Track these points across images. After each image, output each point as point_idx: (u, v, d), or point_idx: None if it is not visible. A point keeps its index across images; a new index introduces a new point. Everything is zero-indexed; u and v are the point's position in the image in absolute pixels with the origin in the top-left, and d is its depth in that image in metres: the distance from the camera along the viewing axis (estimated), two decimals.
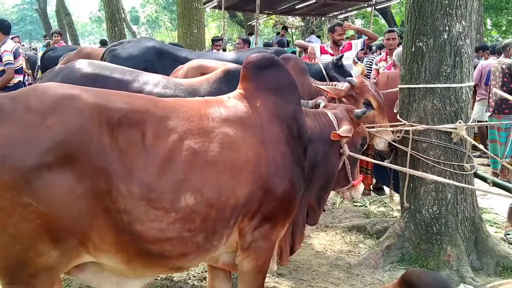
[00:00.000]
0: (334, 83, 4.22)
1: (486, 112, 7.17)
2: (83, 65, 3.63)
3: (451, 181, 3.33)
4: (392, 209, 5.35)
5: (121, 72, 3.62)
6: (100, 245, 1.87)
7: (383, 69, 6.23)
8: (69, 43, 18.70)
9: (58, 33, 11.41)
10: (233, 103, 2.33)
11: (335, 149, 2.69)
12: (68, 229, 1.77)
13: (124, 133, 1.88)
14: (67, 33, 21.21)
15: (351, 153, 2.73)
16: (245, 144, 2.18)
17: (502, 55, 7.15)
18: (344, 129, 2.62)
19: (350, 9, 16.77)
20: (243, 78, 2.48)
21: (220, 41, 10.37)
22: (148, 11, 47.36)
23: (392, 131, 3.96)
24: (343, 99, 4.00)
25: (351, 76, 4.69)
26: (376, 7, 15.73)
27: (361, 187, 2.92)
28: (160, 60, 4.74)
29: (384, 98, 4.84)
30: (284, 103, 2.40)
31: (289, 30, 23.28)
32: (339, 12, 16.92)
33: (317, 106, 3.28)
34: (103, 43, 12.79)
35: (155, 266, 2.04)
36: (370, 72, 7.87)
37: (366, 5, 15.53)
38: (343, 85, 4.02)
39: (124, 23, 16.84)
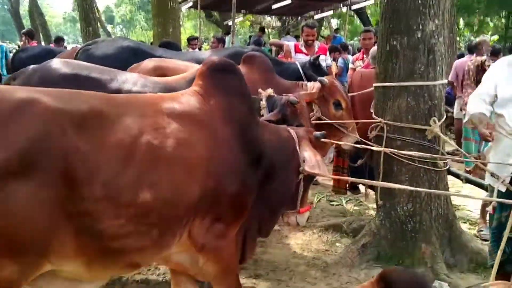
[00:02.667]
0: (304, 82, 4.25)
1: (461, 110, 7.29)
2: (61, 65, 3.56)
3: (424, 189, 3.37)
4: (368, 207, 5.39)
5: (100, 71, 3.60)
6: (62, 252, 1.82)
7: (360, 68, 6.26)
8: (43, 43, 18.34)
9: (26, 34, 11.03)
10: (187, 99, 2.32)
11: (292, 166, 2.64)
12: (30, 242, 1.72)
13: (84, 134, 1.85)
14: (40, 34, 20.81)
15: (309, 171, 2.63)
16: (199, 141, 2.18)
17: (474, 54, 7.27)
18: (313, 164, 2.58)
19: (326, 9, 16.86)
20: (200, 76, 2.48)
21: (196, 40, 10.28)
22: (123, 11, 46.84)
23: (371, 130, 4.01)
24: (315, 100, 4.05)
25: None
26: (352, 8, 15.84)
27: (306, 215, 2.85)
28: (136, 60, 4.67)
29: (358, 98, 4.89)
30: (238, 107, 2.41)
31: (266, 30, 23.33)
32: (314, 12, 16.99)
33: (290, 102, 3.28)
34: (57, 40, 12.15)
35: (114, 264, 2.04)
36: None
37: (341, 5, 15.63)
38: (313, 86, 4.05)
39: (98, 23, 16.64)
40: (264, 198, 2.54)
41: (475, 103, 3.21)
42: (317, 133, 2.83)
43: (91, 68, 3.64)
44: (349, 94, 4.97)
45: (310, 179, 2.78)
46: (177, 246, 2.21)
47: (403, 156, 3.68)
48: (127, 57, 4.76)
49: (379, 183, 3.50)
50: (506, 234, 2.89)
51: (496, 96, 3.11)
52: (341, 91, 4.23)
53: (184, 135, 2.12)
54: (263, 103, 3.41)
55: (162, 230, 2.07)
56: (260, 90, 3.53)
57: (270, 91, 3.48)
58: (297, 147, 2.64)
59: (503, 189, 3.03)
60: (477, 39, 7.42)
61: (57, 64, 3.58)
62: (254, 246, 2.76)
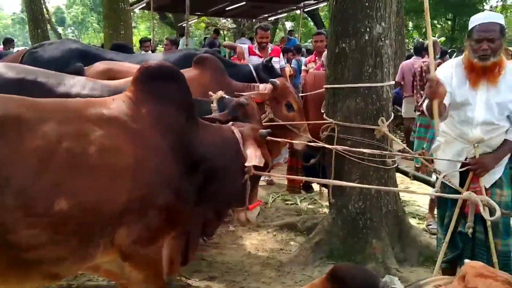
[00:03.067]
0: (256, 84, 4.31)
1: (415, 111, 7.49)
2: (5, 70, 3.44)
3: (375, 187, 3.47)
4: (322, 205, 5.48)
5: (46, 75, 3.51)
6: None
7: (313, 70, 6.36)
8: None
9: None
10: (117, 105, 2.25)
11: (237, 166, 2.61)
12: None
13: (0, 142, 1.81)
14: None
15: (256, 172, 2.67)
16: (126, 149, 2.11)
17: (426, 55, 7.44)
18: (257, 159, 2.55)
19: (280, 11, 17.02)
20: (134, 82, 2.40)
21: (149, 42, 10.16)
22: (75, 12, 45.69)
23: (322, 130, 4.09)
24: (267, 101, 4.11)
25: None
26: (305, 10, 16.06)
27: (255, 211, 2.85)
28: (85, 63, 4.58)
29: (311, 98, 4.98)
30: (174, 115, 2.35)
31: (221, 32, 23.31)
32: (269, 14, 17.11)
33: (240, 104, 3.30)
34: (5, 42, 11.72)
35: (30, 275, 1.98)
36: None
37: (295, 7, 15.83)
38: (265, 88, 4.11)
39: (48, 25, 16.16)
40: (207, 201, 2.53)
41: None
42: (263, 131, 2.81)
43: (37, 72, 3.54)
44: (302, 94, 5.08)
45: (257, 176, 2.77)
46: (103, 255, 2.15)
47: (353, 155, 3.79)
48: (75, 61, 4.66)
49: (331, 181, 3.57)
50: (450, 229, 3.03)
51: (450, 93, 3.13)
52: (292, 93, 4.32)
53: (109, 143, 2.06)
54: (214, 105, 3.42)
55: (83, 240, 2.01)
56: (210, 92, 3.53)
57: (220, 93, 3.49)
58: (241, 147, 2.62)
59: (453, 185, 3.14)
60: (427, 41, 7.56)
61: (1, 68, 3.47)
62: (197, 246, 2.73)
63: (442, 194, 3.02)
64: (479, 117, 2.94)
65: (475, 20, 2.93)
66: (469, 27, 2.95)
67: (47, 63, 4.35)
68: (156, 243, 2.30)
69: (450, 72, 3.06)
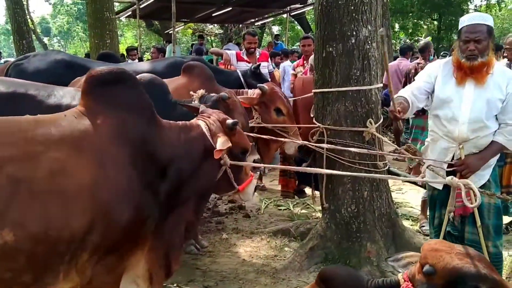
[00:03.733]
0: (245, 90, 4.31)
1: None
2: None
3: (366, 175, 3.46)
4: (315, 210, 5.47)
5: (36, 88, 3.47)
6: None
7: (301, 74, 6.36)
8: None
9: None
10: (68, 121, 2.08)
11: (210, 162, 2.49)
12: None
13: None
14: None
15: (233, 162, 2.59)
16: (80, 168, 1.96)
17: (420, 56, 7.41)
18: (220, 143, 2.44)
19: (266, 16, 17.07)
20: (84, 94, 2.24)
21: (135, 51, 10.12)
22: (60, 22, 45.46)
23: (311, 135, 4.09)
24: (255, 106, 4.12)
25: None
26: (291, 14, 16.13)
27: (250, 188, 2.77)
28: (71, 74, 4.54)
29: (301, 102, 4.98)
30: (132, 122, 2.18)
31: (208, 38, 23.30)
32: (256, 19, 17.16)
33: (221, 98, 3.29)
34: None
35: None
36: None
37: (281, 12, 15.89)
38: (254, 93, 4.11)
39: (33, 35, 16.05)
40: (181, 206, 2.43)
41: (402, 91, 3.25)
42: (229, 121, 2.64)
43: (26, 85, 3.51)
44: (292, 99, 5.08)
45: (237, 159, 2.64)
46: (63, 283, 2.00)
47: (344, 159, 3.79)
48: (61, 72, 4.62)
49: (323, 171, 3.46)
50: (442, 231, 3.03)
51: (427, 92, 3.15)
52: (281, 98, 4.33)
53: (60, 164, 1.91)
54: (196, 103, 3.43)
55: (38, 274, 1.87)
56: (191, 92, 3.55)
57: (201, 91, 3.51)
58: (211, 141, 2.49)
59: (440, 187, 3.15)
60: (421, 42, 7.52)
61: None
62: (179, 255, 2.61)
63: (426, 180, 3.07)
64: (465, 114, 2.96)
65: (463, 21, 2.98)
66: (459, 28, 3.00)
67: (33, 75, 4.31)
68: (121, 266, 2.17)
69: (436, 71, 3.13)
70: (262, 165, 3.99)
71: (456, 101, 2.99)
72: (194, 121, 2.64)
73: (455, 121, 2.99)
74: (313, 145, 3.86)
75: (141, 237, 2.20)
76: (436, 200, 3.26)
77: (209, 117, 2.64)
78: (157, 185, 2.24)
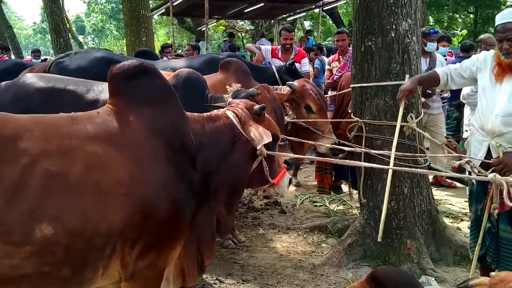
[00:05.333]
0: (278, 87, 4.32)
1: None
2: (35, 79, 3.55)
3: (407, 169, 3.39)
4: (352, 206, 5.42)
5: (75, 83, 3.59)
6: None
7: (336, 69, 6.30)
8: (12, 56, 18.00)
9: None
10: (102, 119, 2.09)
11: (240, 152, 2.47)
12: None
13: None
14: (10, 47, 20.40)
15: (269, 152, 2.54)
16: (116, 164, 1.97)
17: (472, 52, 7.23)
18: (264, 137, 2.41)
19: (298, 11, 16.95)
20: (111, 93, 2.25)
21: (170, 48, 10.23)
22: (94, 20, 46.39)
23: (349, 130, 4.05)
24: (286, 103, 4.12)
25: None
26: (324, 8, 15.96)
27: (284, 181, 2.72)
28: None
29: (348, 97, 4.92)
30: (161, 115, 2.19)
31: (239, 34, 23.34)
32: (287, 14, 17.06)
33: (250, 94, 3.30)
34: (33, 52, 12.12)
35: None
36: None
37: (313, 6, 15.74)
38: (284, 90, 4.11)
39: (69, 34, 16.41)
40: (212, 198, 2.41)
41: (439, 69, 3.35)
42: (256, 107, 2.62)
43: (66, 80, 3.62)
44: (339, 92, 5.05)
45: (267, 149, 2.58)
46: (103, 279, 2.03)
47: (382, 155, 3.73)
48: (102, 69, 4.69)
49: (361, 164, 3.43)
50: (483, 228, 2.96)
51: (462, 76, 3.21)
52: (312, 95, 4.30)
53: (96, 160, 1.93)
54: (229, 96, 3.47)
55: (76, 268, 1.88)
56: (227, 86, 3.58)
57: (237, 86, 3.53)
58: (241, 130, 2.48)
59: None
60: (481, 37, 7.31)
61: (32, 78, 3.55)
62: (211, 250, 2.58)
63: (469, 176, 3.02)
64: (499, 106, 2.93)
65: (497, 20, 2.97)
66: (495, 25, 2.99)
67: (75, 72, 4.41)
68: (159, 264, 2.17)
69: (479, 61, 3.14)
70: (299, 156, 3.91)
71: (493, 94, 2.99)
72: (221, 111, 2.62)
73: (489, 113, 2.97)
74: (347, 144, 3.83)
75: (180, 230, 2.20)
76: (475, 196, 3.21)
77: (237, 106, 2.62)
78: (190, 176, 2.24)
